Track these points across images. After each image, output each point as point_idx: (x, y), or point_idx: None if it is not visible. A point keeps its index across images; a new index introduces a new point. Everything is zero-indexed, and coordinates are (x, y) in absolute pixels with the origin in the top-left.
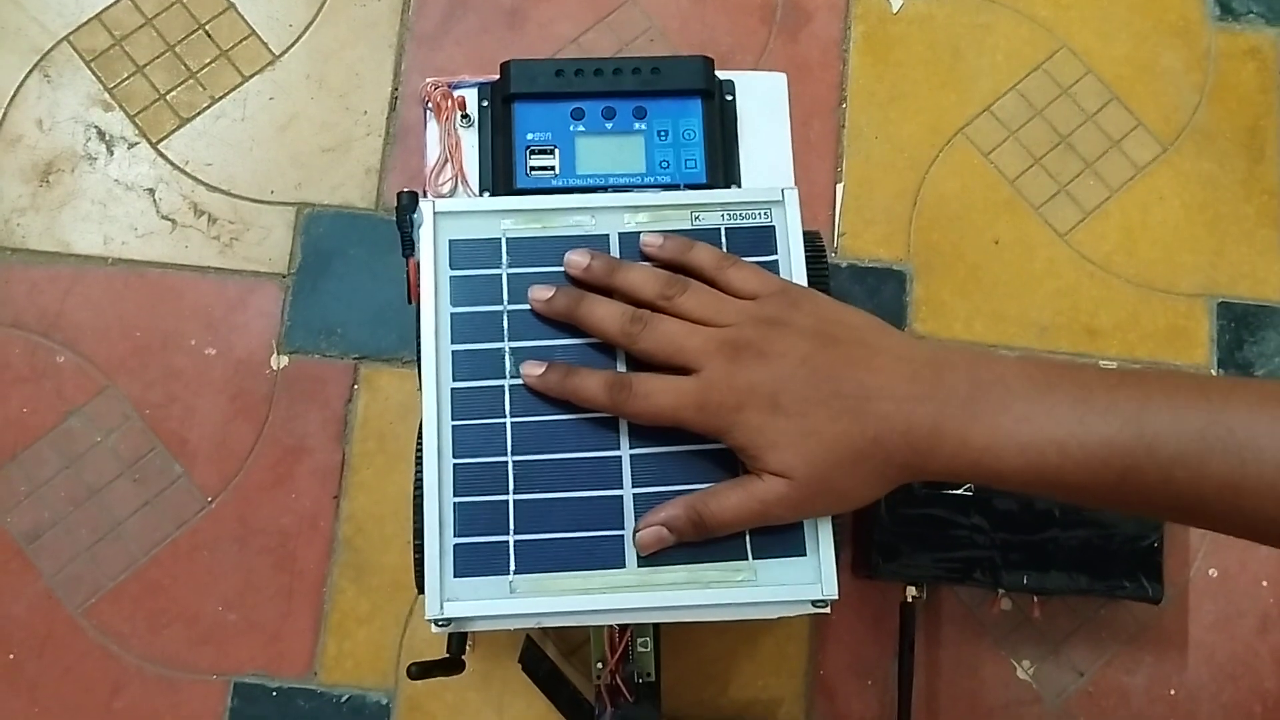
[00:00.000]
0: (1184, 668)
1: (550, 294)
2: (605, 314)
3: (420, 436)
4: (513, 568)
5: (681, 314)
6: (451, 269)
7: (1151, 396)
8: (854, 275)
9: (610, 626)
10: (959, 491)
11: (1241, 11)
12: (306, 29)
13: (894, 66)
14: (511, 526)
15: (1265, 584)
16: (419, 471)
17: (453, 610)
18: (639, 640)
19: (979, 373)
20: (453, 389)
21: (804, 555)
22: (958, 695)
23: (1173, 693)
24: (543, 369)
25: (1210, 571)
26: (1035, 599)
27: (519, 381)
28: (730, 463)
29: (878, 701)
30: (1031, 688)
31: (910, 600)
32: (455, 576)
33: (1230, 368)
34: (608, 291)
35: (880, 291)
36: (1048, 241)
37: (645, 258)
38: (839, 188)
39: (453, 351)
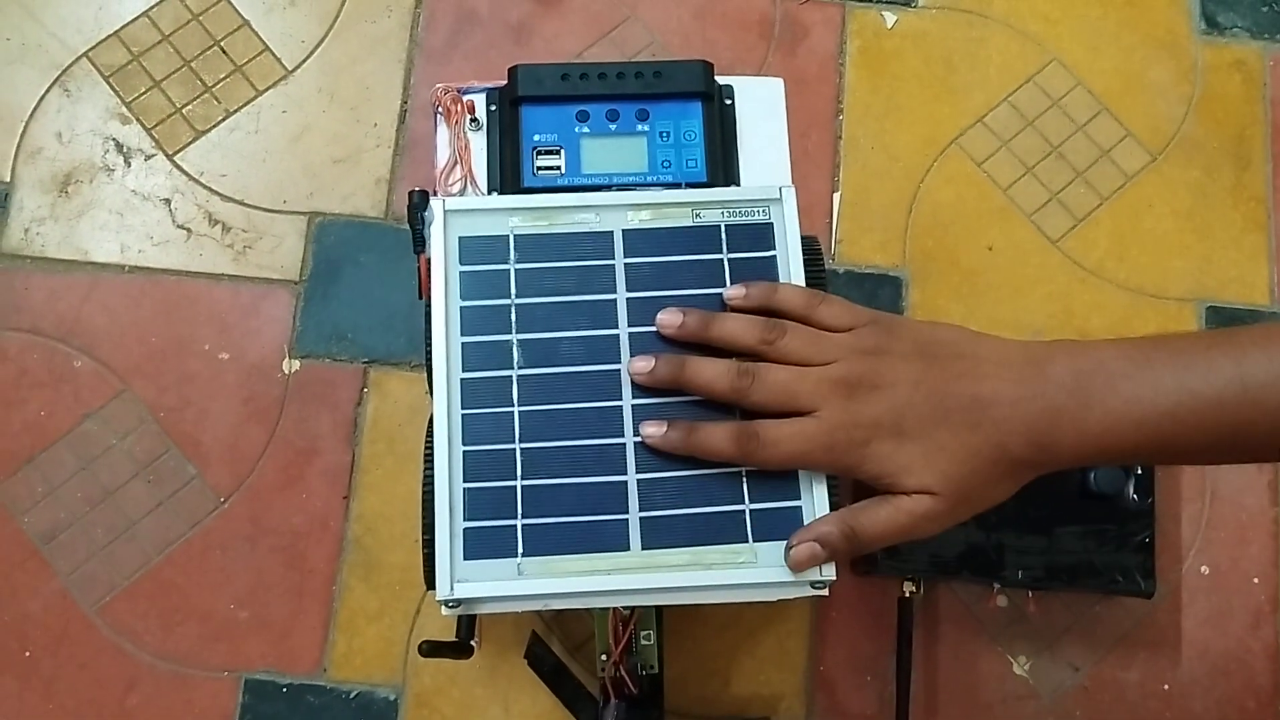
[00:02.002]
0: (1178, 663)
1: (651, 364)
2: (712, 373)
3: (430, 432)
4: (520, 550)
5: (783, 357)
6: (461, 264)
7: (1246, 350)
8: (851, 280)
9: (614, 617)
10: None
11: (1227, 25)
12: (318, 45)
13: (889, 79)
14: (519, 511)
15: (1256, 580)
16: (428, 467)
17: (462, 591)
18: (643, 633)
19: (1078, 362)
20: (462, 379)
21: None
22: (955, 690)
23: (1167, 688)
24: (664, 428)
25: (1202, 568)
26: (1030, 594)
27: (526, 372)
28: None
29: (876, 696)
30: (1028, 683)
31: (908, 595)
32: (465, 559)
33: None
34: (703, 347)
35: (877, 296)
36: (1040, 248)
37: (731, 309)
38: (836, 196)
39: (462, 343)
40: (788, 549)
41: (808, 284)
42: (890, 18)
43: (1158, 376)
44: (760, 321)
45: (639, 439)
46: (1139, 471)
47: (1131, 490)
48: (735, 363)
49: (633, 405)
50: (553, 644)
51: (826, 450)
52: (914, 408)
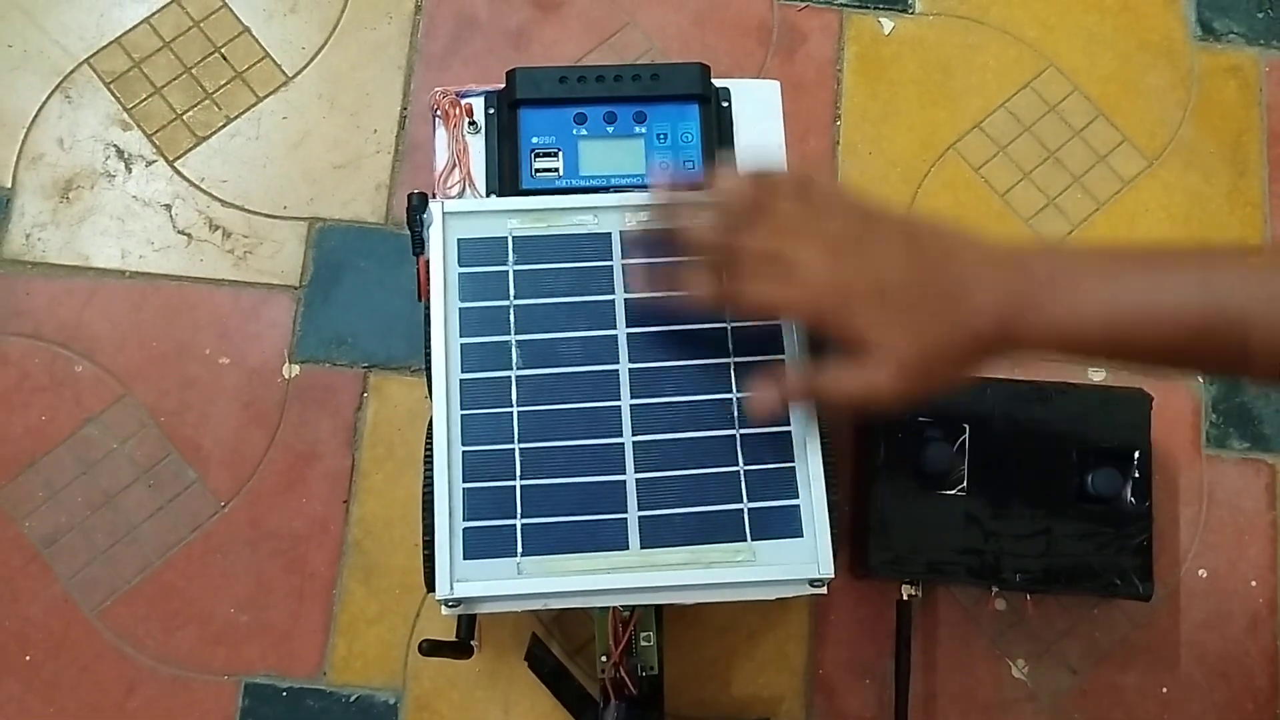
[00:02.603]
0: (1176, 666)
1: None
2: (707, 219)
3: (429, 436)
4: (520, 550)
5: (780, 219)
6: (460, 266)
7: (1214, 260)
8: None
9: (614, 618)
10: (953, 492)
11: (1223, 31)
12: (319, 51)
13: (887, 85)
14: (518, 511)
15: (1254, 584)
16: (428, 471)
17: (462, 590)
18: (642, 634)
19: (1055, 257)
20: (461, 380)
21: (801, 536)
22: (954, 693)
23: (1165, 691)
24: (647, 272)
25: (1200, 572)
26: (1028, 598)
27: (525, 372)
28: (730, 453)
29: (875, 699)
30: (1026, 686)
31: (906, 599)
32: (465, 559)
33: None
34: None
35: None
36: None
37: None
38: None
39: (461, 344)
40: (749, 394)
41: None
42: (888, 24)
43: (1125, 276)
44: (752, 181)
45: (638, 438)
46: (1136, 475)
47: (1129, 493)
48: (729, 207)
49: (631, 405)
50: (553, 646)
51: (804, 304)
52: (894, 279)
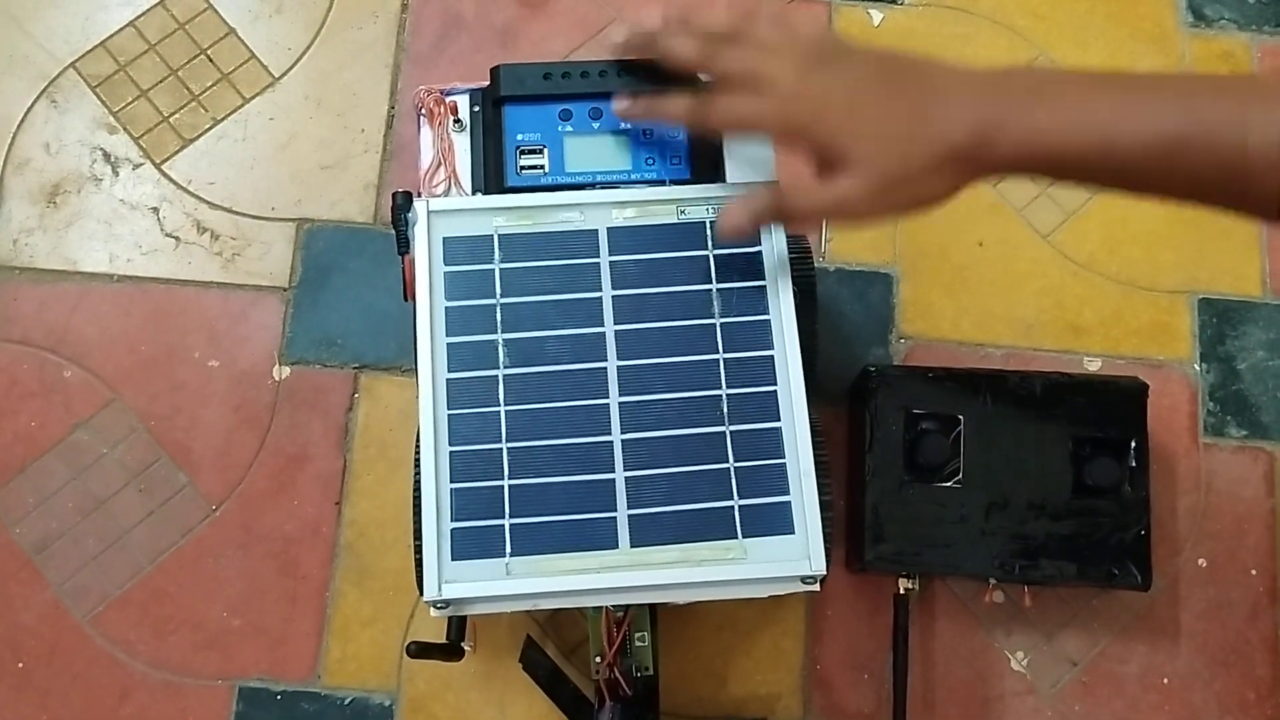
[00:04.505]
0: (1176, 656)
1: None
2: (685, 41)
3: (420, 434)
4: (508, 550)
5: (763, 34)
6: (446, 265)
7: (1197, 82)
8: (842, 278)
9: (608, 618)
10: (948, 484)
11: (1214, 18)
12: (305, 52)
13: None
14: (507, 511)
15: (1254, 572)
16: (418, 472)
17: (450, 592)
18: (637, 634)
19: (1035, 74)
20: (448, 379)
21: (792, 533)
22: (953, 687)
23: (1166, 681)
24: (629, 101)
25: (1199, 561)
26: (1026, 589)
27: (512, 371)
28: (720, 449)
29: (874, 694)
30: (1026, 678)
31: (903, 592)
32: (453, 560)
33: (1213, 362)
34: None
35: (868, 294)
36: (1031, 242)
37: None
38: None
39: (448, 344)
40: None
41: (795, 281)
42: (877, 15)
43: (1108, 92)
44: (729, 5)
45: (626, 436)
46: (1133, 464)
47: (1127, 483)
48: (708, 32)
49: (619, 403)
50: (548, 647)
51: (780, 115)
52: (869, 87)
